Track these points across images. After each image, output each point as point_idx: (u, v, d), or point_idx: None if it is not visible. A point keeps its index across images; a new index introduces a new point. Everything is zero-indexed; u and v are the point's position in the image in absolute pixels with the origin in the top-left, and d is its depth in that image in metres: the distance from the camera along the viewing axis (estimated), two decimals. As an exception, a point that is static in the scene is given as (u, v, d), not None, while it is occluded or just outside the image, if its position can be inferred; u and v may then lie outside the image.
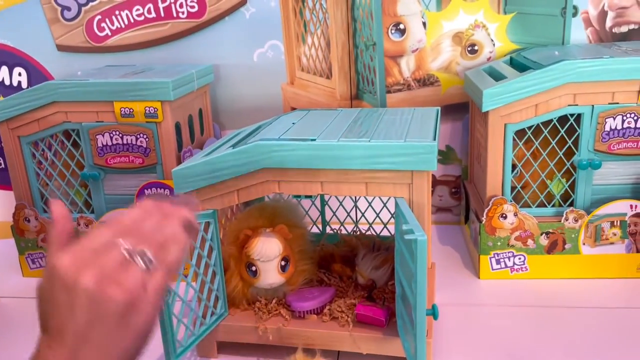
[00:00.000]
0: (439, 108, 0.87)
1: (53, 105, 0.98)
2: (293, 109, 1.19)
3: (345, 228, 0.99)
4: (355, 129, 0.75)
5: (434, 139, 0.68)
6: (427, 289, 0.65)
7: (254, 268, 0.78)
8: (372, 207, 0.95)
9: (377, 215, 0.95)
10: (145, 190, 0.98)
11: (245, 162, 0.70)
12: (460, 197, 1.19)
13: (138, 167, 0.98)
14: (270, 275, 0.78)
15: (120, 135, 0.97)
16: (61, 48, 1.15)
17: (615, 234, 0.94)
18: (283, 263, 0.79)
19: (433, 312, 0.64)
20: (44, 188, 1.06)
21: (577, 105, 0.90)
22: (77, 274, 0.39)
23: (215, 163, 0.72)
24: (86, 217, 1.02)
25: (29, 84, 1.17)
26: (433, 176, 1.20)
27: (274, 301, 0.80)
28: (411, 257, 0.61)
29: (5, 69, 1.17)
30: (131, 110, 0.95)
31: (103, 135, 0.97)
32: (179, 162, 0.98)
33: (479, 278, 0.98)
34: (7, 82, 1.18)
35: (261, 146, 0.69)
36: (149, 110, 0.94)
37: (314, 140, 0.70)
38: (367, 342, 0.75)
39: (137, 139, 0.97)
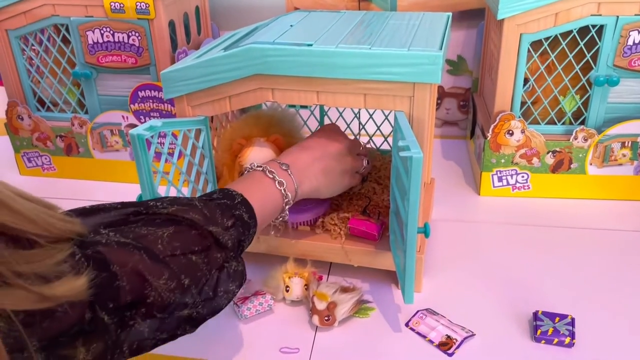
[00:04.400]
0: (450, 14, 0.80)
1: (40, -3, 0.92)
2: (297, 9, 1.12)
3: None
4: (357, 35, 0.69)
5: (440, 49, 0.63)
6: (421, 206, 0.64)
7: (246, 177, 0.76)
8: (373, 119, 0.91)
9: (378, 127, 0.91)
10: (139, 92, 0.94)
11: (236, 66, 0.66)
12: (468, 110, 1.15)
13: (131, 67, 0.94)
14: (263, 185, 0.76)
15: (112, 32, 0.92)
16: None
17: (624, 155, 0.90)
18: (277, 173, 0.76)
19: (425, 230, 0.62)
20: (36, 86, 1.02)
21: (600, 15, 0.83)
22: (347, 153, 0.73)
23: (205, 66, 0.67)
24: (80, 117, 0.99)
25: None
26: (441, 88, 1.14)
27: (267, 211, 0.79)
28: (406, 173, 0.58)
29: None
30: (122, 5, 0.89)
31: (93, 32, 0.92)
32: (173, 63, 0.94)
33: (479, 195, 0.96)
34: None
35: (253, 50, 0.64)
36: (140, 6, 0.88)
37: (311, 45, 0.64)
38: (359, 255, 0.74)
39: (129, 36, 0.91)
